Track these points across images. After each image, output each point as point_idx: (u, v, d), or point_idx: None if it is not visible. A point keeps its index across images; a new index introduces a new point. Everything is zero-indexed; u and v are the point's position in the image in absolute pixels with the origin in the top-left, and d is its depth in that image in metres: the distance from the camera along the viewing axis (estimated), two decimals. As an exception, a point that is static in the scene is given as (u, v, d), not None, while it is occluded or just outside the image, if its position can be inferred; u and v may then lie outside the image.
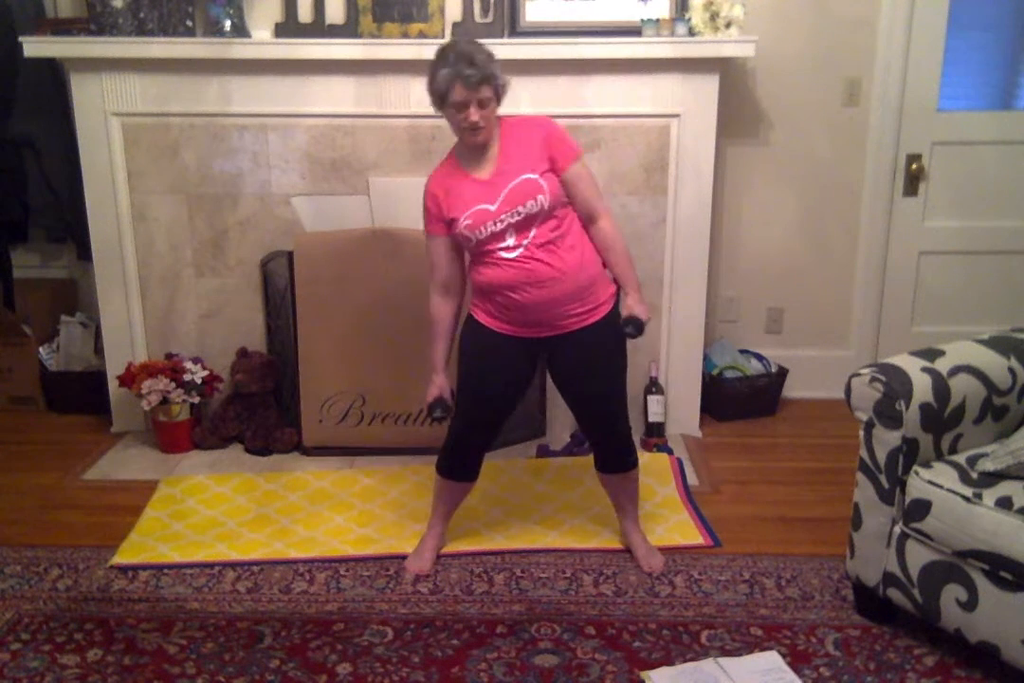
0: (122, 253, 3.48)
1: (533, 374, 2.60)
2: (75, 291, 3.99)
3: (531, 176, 2.36)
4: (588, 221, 2.48)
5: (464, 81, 2.27)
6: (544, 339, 2.48)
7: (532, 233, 2.37)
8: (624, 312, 2.49)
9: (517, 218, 2.35)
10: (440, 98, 2.33)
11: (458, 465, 2.64)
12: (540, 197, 2.34)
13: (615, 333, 2.50)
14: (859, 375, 2.28)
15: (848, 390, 2.31)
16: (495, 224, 2.36)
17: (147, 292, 3.54)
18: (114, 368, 3.54)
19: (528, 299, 2.39)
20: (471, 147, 2.41)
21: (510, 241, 2.37)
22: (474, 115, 2.30)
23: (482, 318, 2.50)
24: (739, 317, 3.96)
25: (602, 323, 2.48)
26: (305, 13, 3.33)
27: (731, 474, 3.30)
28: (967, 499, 2.10)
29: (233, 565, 2.71)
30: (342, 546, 2.80)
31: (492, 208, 2.35)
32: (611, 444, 2.63)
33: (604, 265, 2.50)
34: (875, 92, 3.68)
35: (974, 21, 3.64)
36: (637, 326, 2.45)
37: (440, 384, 2.59)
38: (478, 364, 2.53)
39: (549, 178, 2.37)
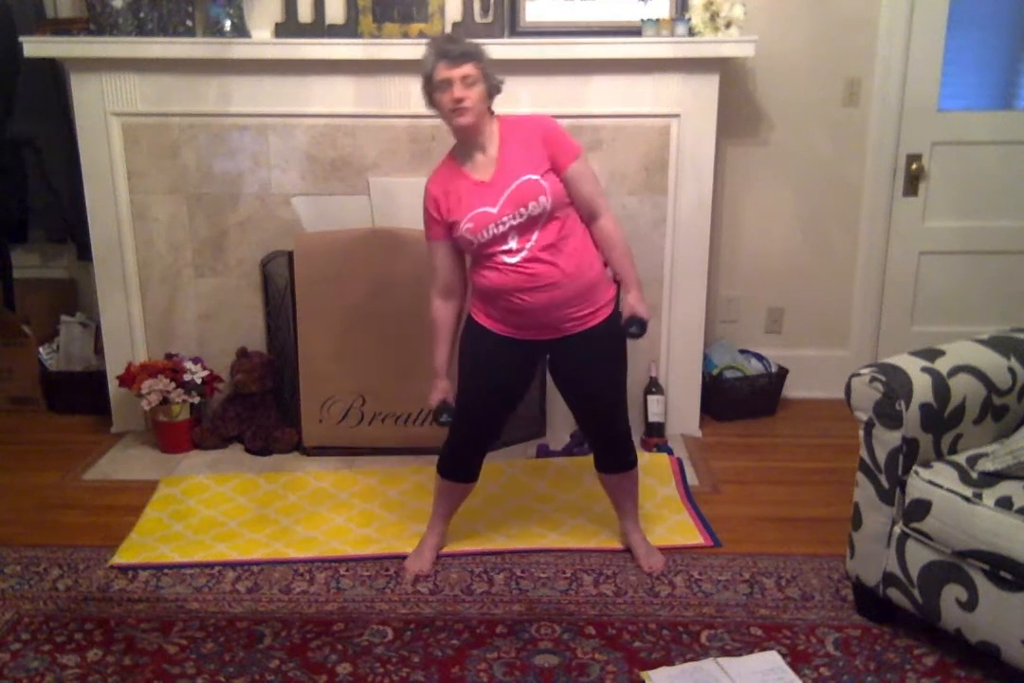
0: (122, 253, 3.48)
1: (533, 376, 2.60)
2: (75, 291, 3.99)
3: (533, 177, 2.33)
4: (589, 219, 2.46)
5: (445, 56, 2.28)
6: (545, 342, 2.48)
7: (535, 236, 2.34)
8: (626, 311, 2.47)
9: (520, 220, 2.33)
10: (428, 83, 2.33)
11: (459, 466, 2.64)
12: (542, 198, 2.32)
13: (616, 336, 2.50)
14: (859, 375, 2.28)
15: (848, 390, 2.31)
16: (497, 227, 2.33)
17: (147, 292, 3.54)
18: (114, 368, 3.54)
19: (529, 303, 2.38)
20: (465, 141, 2.38)
21: (512, 244, 2.35)
22: (458, 91, 2.28)
23: (483, 320, 2.50)
24: (739, 317, 3.96)
25: (603, 326, 2.47)
26: (305, 13, 3.33)
27: (731, 474, 3.30)
28: (967, 499, 2.10)
29: (233, 565, 2.71)
30: (342, 546, 2.80)
31: (494, 210, 2.34)
32: (611, 444, 2.63)
33: (605, 263, 2.48)
34: (875, 92, 3.68)
35: (974, 21, 3.63)
36: (640, 325, 2.44)
37: (443, 388, 2.57)
38: (478, 366, 2.52)
39: (550, 178, 2.35)
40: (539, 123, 2.43)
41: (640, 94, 3.30)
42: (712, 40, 3.20)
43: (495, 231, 2.34)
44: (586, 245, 2.44)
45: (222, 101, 3.33)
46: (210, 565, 2.70)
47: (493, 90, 2.37)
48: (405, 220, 3.38)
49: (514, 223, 2.33)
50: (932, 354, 2.32)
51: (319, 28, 3.31)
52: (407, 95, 3.30)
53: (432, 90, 2.33)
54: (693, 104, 3.30)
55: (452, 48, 2.29)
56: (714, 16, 3.19)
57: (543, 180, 2.34)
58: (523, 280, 2.36)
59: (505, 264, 2.36)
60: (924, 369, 2.25)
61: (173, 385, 3.39)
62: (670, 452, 3.41)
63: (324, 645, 2.34)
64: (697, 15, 3.20)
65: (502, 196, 2.33)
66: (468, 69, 2.29)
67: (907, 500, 2.22)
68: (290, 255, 3.37)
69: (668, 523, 2.92)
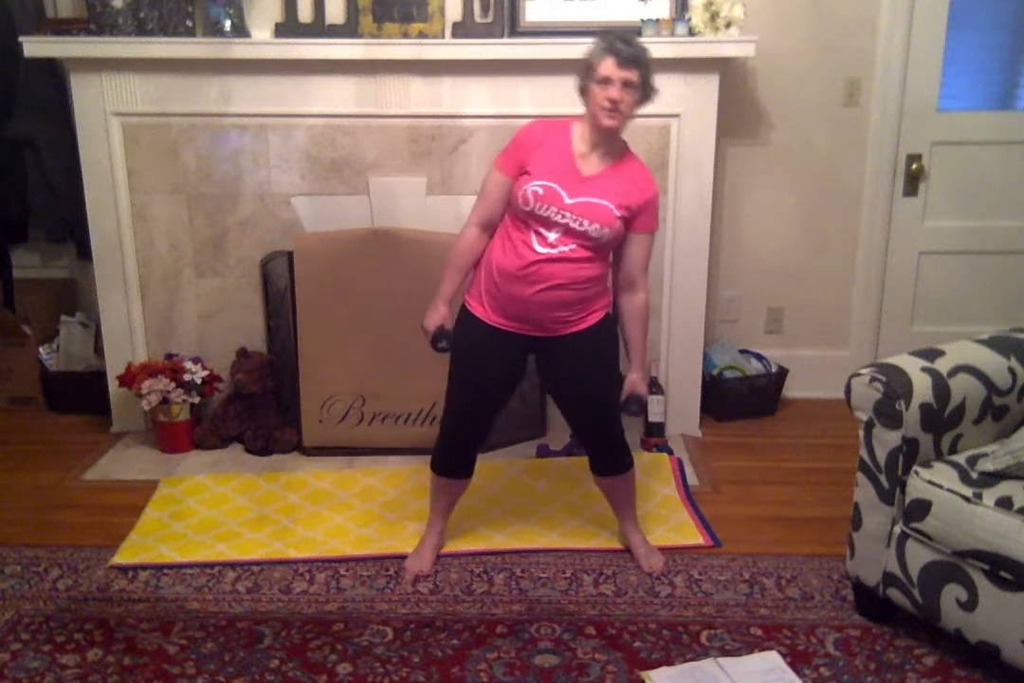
0: (122, 253, 3.48)
1: (524, 370, 2.59)
2: (75, 291, 3.99)
3: (615, 211, 2.35)
4: (626, 287, 2.49)
5: (616, 55, 2.27)
6: (536, 339, 2.48)
7: (571, 246, 2.36)
8: (627, 389, 2.54)
9: (576, 227, 2.34)
10: (587, 71, 2.33)
11: (452, 462, 2.64)
12: (606, 230, 2.35)
13: (608, 338, 2.52)
14: (859, 375, 2.28)
15: (848, 390, 2.31)
16: (557, 213, 2.34)
17: (147, 292, 3.54)
18: (114, 368, 3.54)
19: (529, 296, 2.39)
20: (596, 132, 2.38)
21: (552, 236, 2.36)
22: (616, 92, 2.28)
23: (476, 310, 2.49)
24: (739, 317, 3.96)
25: (594, 328, 2.48)
26: (305, 13, 3.33)
27: (731, 474, 3.30)
28: (967, 499, 2.10)
29: (233, 565, 2.71)
30: (342, 546, 2.80)
31: (567, 201, 2.34)
32: (604, 447, 2.63)
33: (624, 338, 2.54)
34: (875, 92, 3.68)
35: (974, 21, 3.63)
36: (640, 404, 2.56)
37: (443, 314, 2.54)
38: (470, 358, 2.53)
39: (620, 225, 2.38)
40: (651, 184, 2.45)
41: (640, 94, 3.29)
42: (712, 40, 3.20)
43: (551, 214, 2.34)
44: (604, 268, 2.45)
45: (222, 101, 3.32)
46: (210, 565, 2.70)
47: (645, 99, 2.38)
48: (405, 220, 3.38)
49: (570, 224, 2.34)
50: (932, 354, 2.32)
51: (319, 28, 3.31)
52: (407, 95, 3.30)
53: (589, 80, 2.34)
54: (693, 104, 3.30)
55: (625, 49, 2.28)
56: (714, 16, 3.19)
57: (619, 220, 2.37)
58: (533, 271, 2.36)
59: (529, 249, 2.37)
60: (924, 369, 2.25)
61: (173, 385, 3.39)
62: (670, 452, 3.41)
63: (324, 645, 2.34)
64: (697, 15, 3.20)
65: (582, 198, 2.35)
66: (632, 74, 2.29)
67: (907, 500, 2.22)
68: (290, 255, 3.37)
69: (668, 523, 2.92)
